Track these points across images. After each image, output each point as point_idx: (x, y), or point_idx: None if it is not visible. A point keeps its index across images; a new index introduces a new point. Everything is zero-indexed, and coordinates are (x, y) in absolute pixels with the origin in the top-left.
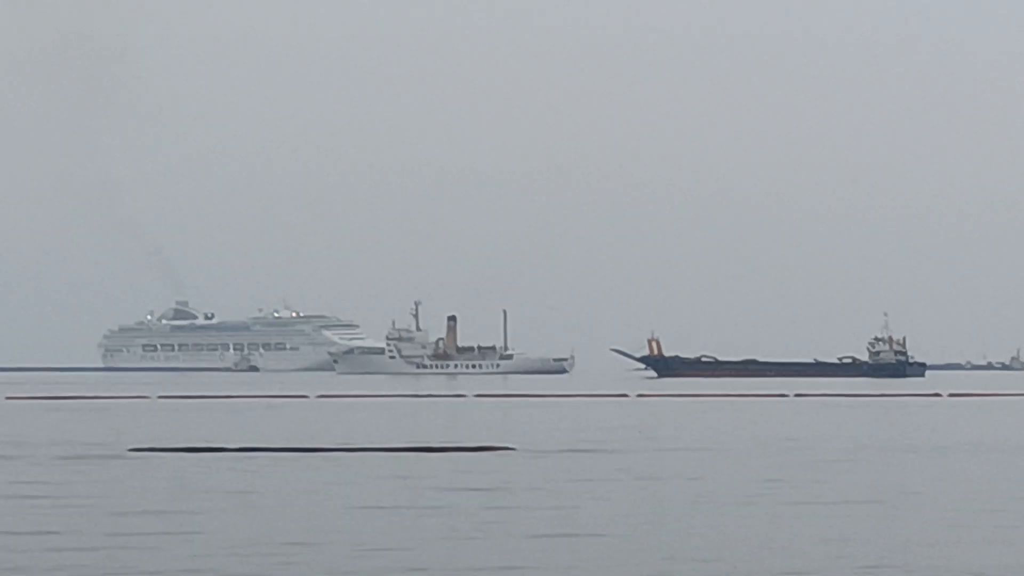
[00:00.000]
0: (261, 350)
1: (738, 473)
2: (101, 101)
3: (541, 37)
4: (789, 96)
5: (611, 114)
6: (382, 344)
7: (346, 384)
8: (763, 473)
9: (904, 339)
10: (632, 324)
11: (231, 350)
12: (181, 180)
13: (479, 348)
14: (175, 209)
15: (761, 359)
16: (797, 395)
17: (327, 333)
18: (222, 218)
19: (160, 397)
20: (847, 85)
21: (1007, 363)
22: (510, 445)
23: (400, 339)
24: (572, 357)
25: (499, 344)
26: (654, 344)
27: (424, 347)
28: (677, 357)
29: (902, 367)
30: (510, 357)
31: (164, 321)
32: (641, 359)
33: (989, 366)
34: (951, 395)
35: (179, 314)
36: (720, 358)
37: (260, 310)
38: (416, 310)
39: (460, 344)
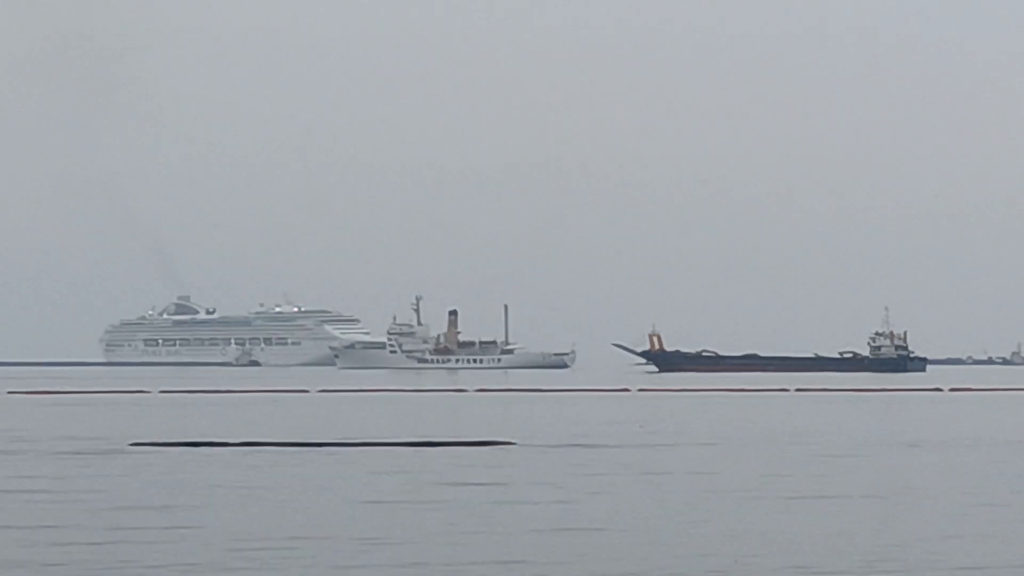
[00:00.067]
0: (262, 345)
1: (739, 467)
2: (102, 99)
3: (540, 35)
4: (789, 94)
5: (612, 111)
6: (383, 339)
7: (347, 379)
8: (764, 467)
9: (905, 334)
10: (633, 319)
11: (232, 345)
12: (182, 176)
13: (480, 343)
14: (176, 205)
15: (762, 354)
16: (798, 390)
17: (328, 328)
18: (223, 214)
19: (161, 392)
20: (847, 83)
21: (1008, 358)
22: (511, 440)
23: (401, 334)
24: (573, 352)
25: (500, 339)
26: (655, 339)
27: (425, 342)
28: (678, 352)
29: (903, 362)
30: (511, 352)
31: (165, 316)
32: (642, 354)
33: (990, 361)
34: (952, 390)
35: (180, 309)
36: (721, 353)
37: (261, 305)
38: (417, 305)
39: (461, 339)
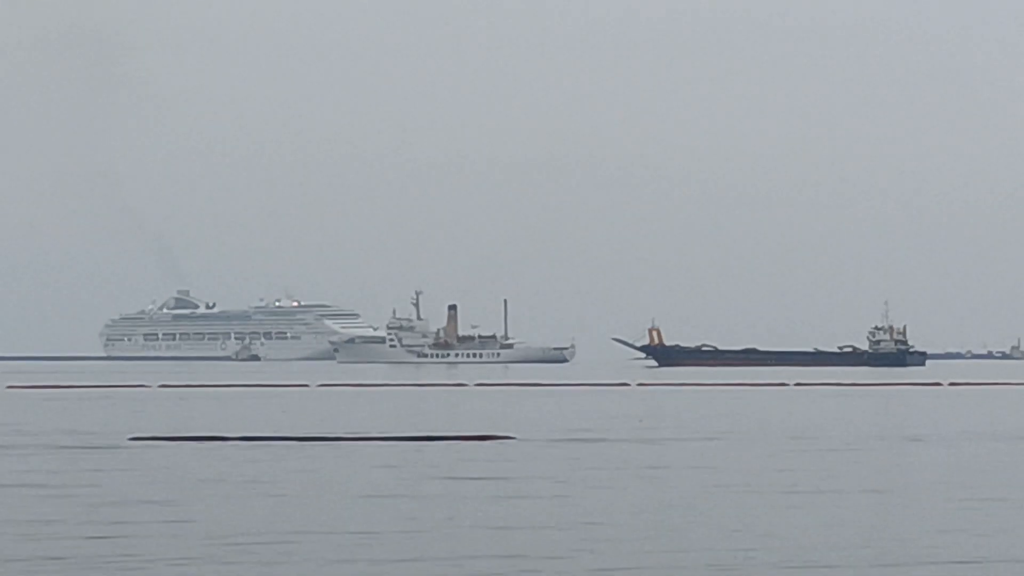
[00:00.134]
0: (262, 339)
1: (738, 462)
2: (103, 94)
3: (541, 30)
4: (788, 90)
5: (611, 107)
6: (383, 333)
7: (347, 373)
8: (763, 462)
9: (904, 328)
10: (632, 313)
11: (232, 339)
12: (183, 171)
13: (480, 337)
14: (177, 199)
15: (761, 348)
16: (797, 384)
17: (328, 322)
18: (224, 208)
19: (161, 386)
20: (846, 79)
21: (1007, 352)
22: (510, 434)
23: (401, 328)
24: (572, 346)
25: (500, 333)
26: (654, 333)
27: (425, 336)
28: (677, 346)
29: (902, 356)
30: (511, 346)
31: (165, 310)
32: (641, 348)
33: (989, 355)
34: (951, 384)
35: (180, 303)
36: (720, 347)
37: (261, 299)
38: (417, 299)
39: (461, 333)
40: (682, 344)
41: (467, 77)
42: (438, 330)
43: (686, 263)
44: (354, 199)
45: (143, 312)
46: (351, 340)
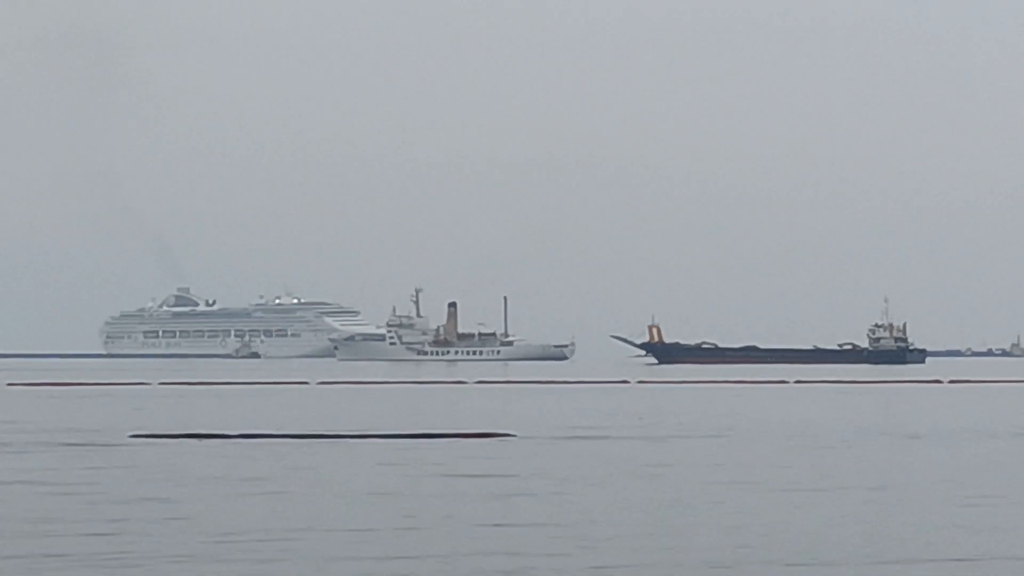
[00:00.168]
0: (262, 336)
1: (738, 459)
2: (103, 93)
3: (540, 29)
4: (787, 88)
5: (612, 105)
6: (383, 330)
7: (347, 370)
8: (763, 459)
9: (904, 325)
10: (632, 311)
11: (232, 336)
12: (183, 167)
13: (479, 335)
14: (176, 196)
15: (761, 346)
16: (797, 382)
17: (328, 319)
18: (223, 205)
19: (161, 383)
20: (846, 75)
21: (1007, 350)
22: (510, 432)
23: (401, 325)
24: (572, 344)
25: (499, 331)
26: (654, 331)
27: (425, 333)
28: (677, 344)
29: (902, 354)
30: (510, 343)
31: (165, 308)
32: (641, 346)
33: (989, 353)
34: (951, 382)
35: (180, 300)
36: (720, 345)
37: (261, 297)
38: (417, 296)
39: (460, 331)
40: (682, 342)
41: (467, 76)
42: (438, 328)
43: (686, 261)
44: (354, 197)
45: (143, 309)
46: (351, 338)
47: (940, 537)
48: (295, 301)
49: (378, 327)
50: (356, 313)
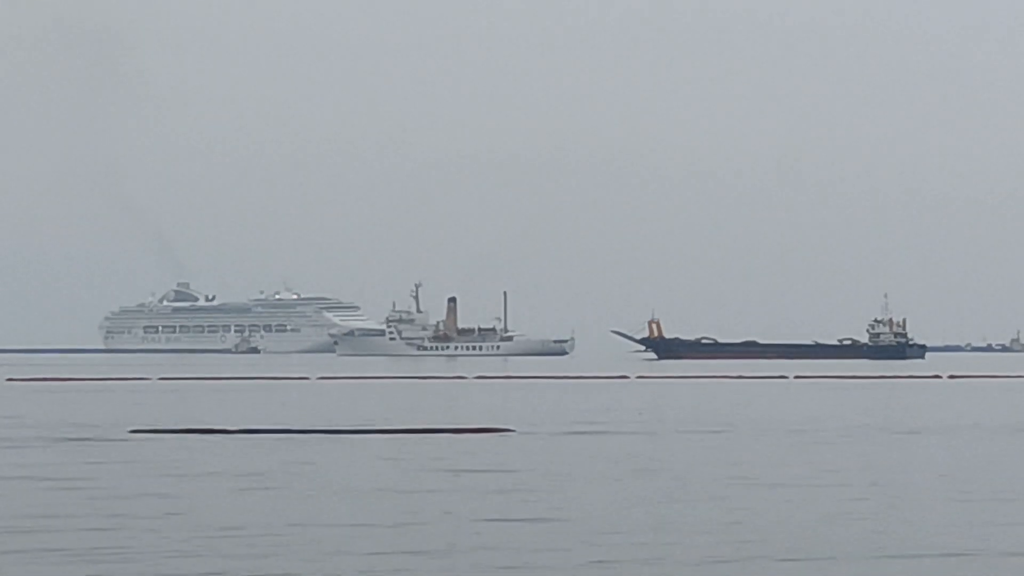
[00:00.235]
0: (262, 332)
1: (737, 455)
2: (103, 87)
3: (540, 26)
4: (787, 82)
5: (611, 101)
6: (383, 326)
7: (347, 366)
8: (762, 454)
9: (904, 321)
10: (632, 306)
11: (232, 332)
12: (183, 163)
13: (479, 330)
14: (176, 191)
15: (761, 341)
16: (797, 377)
17: (328, 315)
18: (223, 201)
19: (161, 379)
20: (845, 72)
21: (1007, 345)
22: (510, 427)
23: (401, 321)
24: (572, 339)
25: (499, 326)
26: (654, 326)
27: (424, 329)
28: (677, 339)
29: (902, 349)
30: (510, 339)
31: (165, 303)
32: (641, 341)
33: (989, 348)
34: (951, 377)
35: (180, 296)
36: (720, 340)
37: (261, 292)
38: (417, 292)
39: (460, 326)
40: (682, 337)
41: (466, 72)
42: (438, 323)
43: (686, 256)
44: (354, 192)
45: (143, 305)
46: (351, 333)
47: (939, 532)
48: (295, 296)
49: (378, 322)
50: (356, 308)
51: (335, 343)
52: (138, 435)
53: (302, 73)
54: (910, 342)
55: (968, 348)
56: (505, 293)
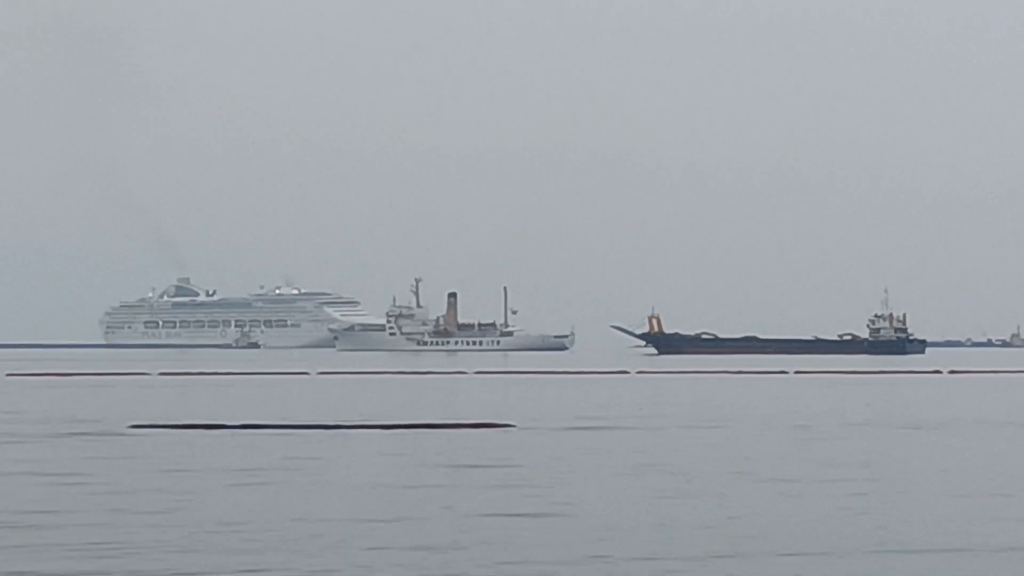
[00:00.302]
0: (262, 327)
1: (738, 450)
2: (103, 82)
3: (541, 20)
4: (788, 76)
5: (611, 95)
6: (383, 321)
7: (347, 361)
8: (762, 450)
9: (904, 316)
10: (632, 301)
11: (232, 327)
12: (183, 158)
13: (479, 325)
14: (177, 186)
15: (761, 336)
16: (797, 372)
17: (328, 310)
18: (224, 196)
19: (161, 374)
20: (846, 65)
21: (1007, 340)
22: (510, 422)
23: (401, 316)
24: (572, 334)
25: (499, 321)
26: (654, 321)
27: (424, 324)
28: (677, 334)
29: (902, 344)
30: (510, 334)
31: (166, 298)
32: (641, 336)
33: (989, 343)
34: (951, 372)
35: (180, 291)
36: (720, 335)
37: (261, 287)
38: (416, 287)
39: (460, 321)
40: (682, 332)
41: (466, 69)
42: (438, 318)
43: (686, 251)
44: (354, 187)
45: (143, 300)
46: (351, 328)
47: (939, 528)
48: (295, 291)
49: (378, 317)
50: (356, 303)
51: (335, 338)
52: (138, 430)
53: (301, 69)
54: (910, 337)
55: (968, 343)
56: (505, 288)
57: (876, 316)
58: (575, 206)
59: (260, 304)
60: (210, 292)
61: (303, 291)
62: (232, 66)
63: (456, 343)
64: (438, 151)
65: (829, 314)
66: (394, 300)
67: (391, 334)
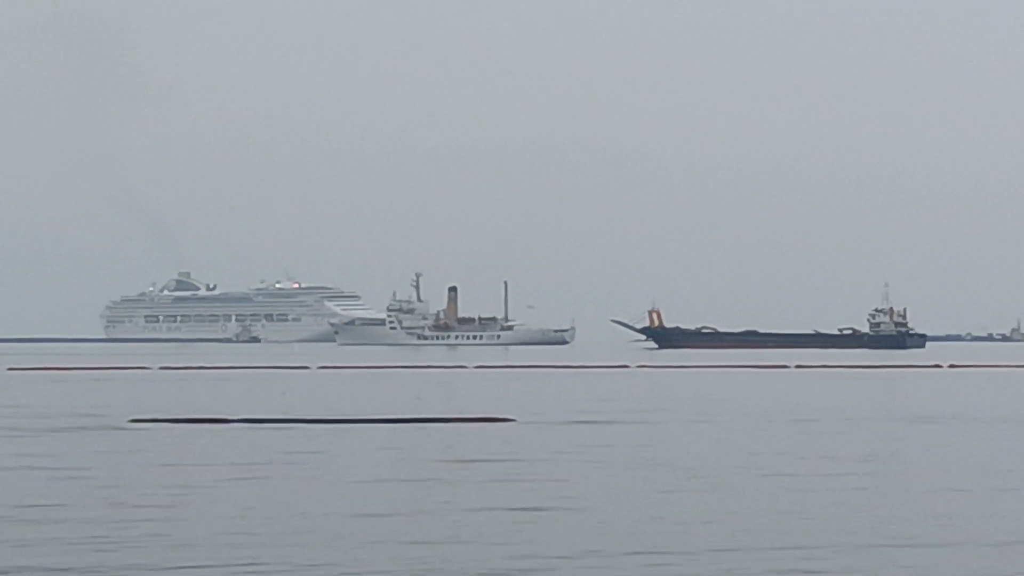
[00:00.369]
0: (263, 321)
1: (739, 445)
2: (103, 76)
3: (540, 13)
4: (788, 71)
5: (612, 89)
6: (383, 315)
7: (347, 355)
8: (763, 444)
9: (904, 310)
10: (632, 296)
11: (233, 321)
12: (183, 152)
13: (480, 319)
14: (177, 180)
15: (761, 330)
16: (797, 366)
17: (328, 304)
18: (224, 190)
19: (161, 368)
20: (846, 60)
21: (1007, 334)
22: (510, 416)
23: (401, 310)
24: (573, 328)
25: (500, 315)
26: (654, 315)
27: (425, 318)
28: (677, 328)
29: (902, 338)
30: (511, 328)
31: (166, 292)
32: (641, 330)
33: (989, 337)
34: (951, 366)
35: (181, 285)
36: (720, 329)
37: (262, 281)
38: (417, 281)
39: (461, 315)
40: (682, 326)
41: (466, 64)
42: (438, 312)
43: (686, 245)
44: (355, 182)
45: (144, 294)
46: (351, 322)
47: (940, 521)
48: (296, 286)
49: (378, 312)
50: (356, 298)
51: (336, 332)
52: (138, 424)
53: (301, 64)
54: (911, 331)
55: (968, 337)
56: (506, 282)
57: (876, 310)
58: (575, 201)
59: (260, 298)
60: (211, 286)
61: (303, 285)
62: (231, 62)
63: (456, 337)
64: (439, 146)
65: (829, 308)
66: (394, 294)
67: (391, 328)
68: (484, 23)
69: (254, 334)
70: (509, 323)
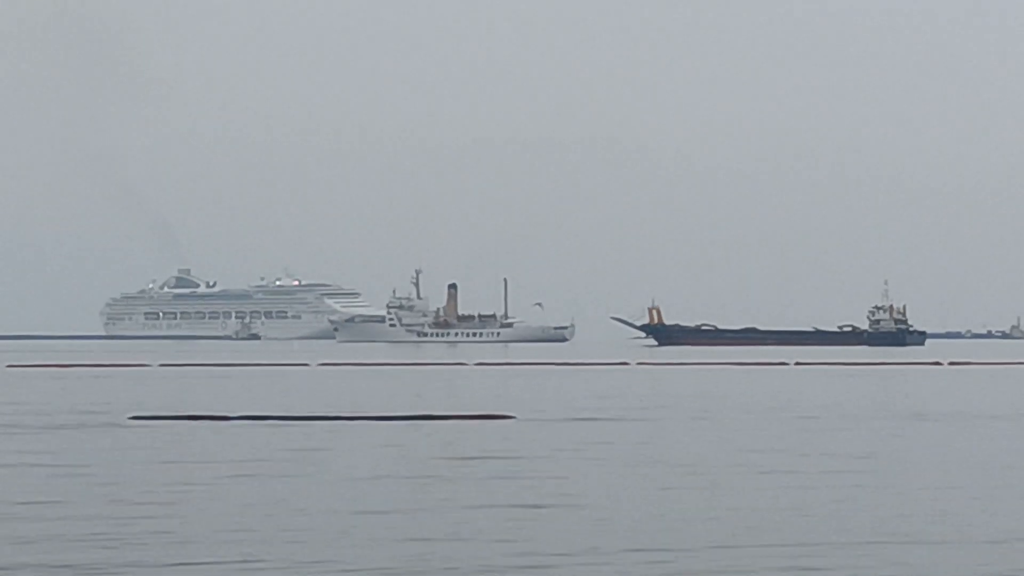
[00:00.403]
0: (263, 318)
1: (739, 442)
2: (104, 74)
3: (540, 10)
4: (788, 67)
5: (612, 86)
6: (383, 312)
7: (347, 352)
8: (763, 441)
9: (904, 308)
10: (632, 293)
11: (233, 318)
12: (184, 149)
13: (479, 316)
14: (178, 178)
15: (761, 327)
16: (797, 364)
17: (328, 301)
18: (224, 187)
19: (161, 365)
20: (845, 56)
21: (1007, 332)
22: (510, 413)
23: (401, 307)
24: (572, 325)
25: (499, 312)
26: (654, 313)
27: (425, 315)
28: (677, 325)
29: (902, 335)
30: (510, 325)
31: (166, 289)
32: (641, 327)
33: (989, 335)
34: (951, 364)
35: (181, 282)
36: (720, 326)
37: (262, 278)
38: (417, 278)
39: (460, 312)
40: (682, 323)
41: (465, 60)
42: (438, 309)
43: (686, 243)
44: (355, 179)
45: (144, 291)
46: (351, 319)
47: (939, 519)
48: (295, 283)
49: (378, 309)
50: (356, 295)
51: (335, 330)
52: (138, 421)
53: (302, 61)
54: (910, 329)
55: (968, 335)
56: (505, 280)
57: (876, 307)
58: (575, 198)
59: (260, 295)
60: (210, 283)
61: (303, 282)
62: (232, 59)
63: (456, 334)
64: (439, 143)
65: (829, 306)
66: (394, 292)
67: (391, 325)
68: (484, 23)
69: (254, 331)
70: (509, 320)
